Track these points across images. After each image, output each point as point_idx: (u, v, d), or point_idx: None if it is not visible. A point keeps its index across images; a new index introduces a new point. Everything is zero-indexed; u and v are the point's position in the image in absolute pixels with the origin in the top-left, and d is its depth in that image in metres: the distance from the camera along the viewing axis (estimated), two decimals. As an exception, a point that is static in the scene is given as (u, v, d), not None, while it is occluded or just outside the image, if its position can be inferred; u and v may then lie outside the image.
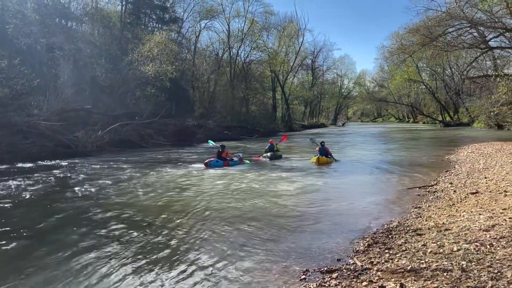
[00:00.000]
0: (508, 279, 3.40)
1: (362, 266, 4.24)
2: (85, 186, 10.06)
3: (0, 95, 18.15)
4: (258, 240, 5.57)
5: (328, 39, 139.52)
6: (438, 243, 4.65)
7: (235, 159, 14.64)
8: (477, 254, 4.11)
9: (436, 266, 3.87)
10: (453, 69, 52.84)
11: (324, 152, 14.65)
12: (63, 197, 8.79)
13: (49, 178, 11.43)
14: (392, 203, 7.85)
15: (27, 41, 21.86)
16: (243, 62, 46.17)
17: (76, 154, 17.35)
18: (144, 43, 28.26)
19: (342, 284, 3.82)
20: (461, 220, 5.67)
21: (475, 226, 5.17)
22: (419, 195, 8.47)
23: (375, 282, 3.70)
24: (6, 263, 4.92)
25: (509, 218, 5.35)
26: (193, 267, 4.60)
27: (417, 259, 4.15)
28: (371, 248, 4.91)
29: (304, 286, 3.98)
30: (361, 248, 4.99)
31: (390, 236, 5.37)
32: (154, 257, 4.95)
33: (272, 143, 17.00)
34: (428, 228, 5.47)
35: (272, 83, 51.39)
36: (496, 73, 27.44)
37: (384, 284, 3.61)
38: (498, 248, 4.22)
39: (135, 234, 5.90)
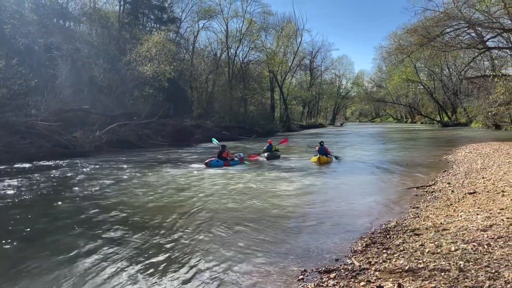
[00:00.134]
0: (505, 279, 3.41)
1: (360, 266, 4.25)
2: (83, 187, 10.05)
3: (-2, 95, 18.09)
4: (256, 241, 5.57)
5: (326, 39, 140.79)
6: (436, 243, 4.66)
7: (236, 159, 14.68)
8: (475, 254, 4.12)
9: (434, 266, 3.88)
10: (451, 69, 52.98)
11: (323, 151, 14.76)
12: (61, 198, 8.76)
13: (47, 178, 11.41)
14: (390, 203, 7.86)
15: (25, 41, 21.78)
16: (241, 62, 46.17)
17: (74, 155, 17.32)
18: (142, 43, 28.22)
19: (340, 284, 3.82)
20: (458, 220, 5.69)
21: (472, 226, 5.19)
22: (417, 195, 8.48)
23: (373, 282, 3.70)
24: (4, 264, 4.91)
25: (507, 218, 5.37)
26: (192, 268, 4.60)
27: (415, 259, 4.16)
28: (369, 248, 4.92)
29: (302, 286, 3.98)
30: (359, 248, 4.99)
31: (388, 236, 5.38)
32: (152, 258, 4.95)
33: (270, 143, 17.04)
34: (426, 228, 5.48)
35: (270, 83, 51.37)
36: (494, 73, 27.44)
37: (382, 284, 3.61)
38: (496, 248, 4.23)
39: (134, 235, 5.89)
